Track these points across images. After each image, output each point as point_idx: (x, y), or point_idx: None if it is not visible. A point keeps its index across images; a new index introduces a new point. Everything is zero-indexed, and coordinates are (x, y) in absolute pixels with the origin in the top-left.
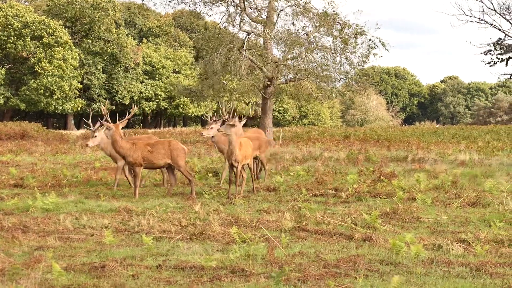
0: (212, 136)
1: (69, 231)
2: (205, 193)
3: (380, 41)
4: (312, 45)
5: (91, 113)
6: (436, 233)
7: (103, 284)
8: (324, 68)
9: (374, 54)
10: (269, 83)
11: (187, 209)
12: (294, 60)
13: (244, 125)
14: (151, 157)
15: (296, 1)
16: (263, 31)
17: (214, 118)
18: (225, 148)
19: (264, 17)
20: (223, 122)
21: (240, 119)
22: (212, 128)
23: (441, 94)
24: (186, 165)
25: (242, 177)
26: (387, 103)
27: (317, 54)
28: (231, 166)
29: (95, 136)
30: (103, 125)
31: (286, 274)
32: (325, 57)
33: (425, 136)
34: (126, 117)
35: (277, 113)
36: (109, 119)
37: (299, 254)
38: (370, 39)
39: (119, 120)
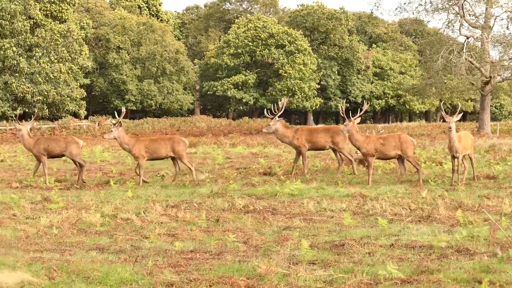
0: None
1: (312, 213)
2: (431, 181)
3: None
4: None
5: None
6: None
7: (343, 260)
8: None
9: None
10: (487, 82)
11: (415, 195)
12: (510, 60)
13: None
14: (383, 149)
15: (511, 7)
16: (481, 35)
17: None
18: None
19: (482, 22)
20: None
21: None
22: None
23: None
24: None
25: (464, 166)
26: None
27: None
28: (453, 157)
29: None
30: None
31: (509, 254)
32: None
33: None
34: (359, 113)
35: (494, 108)
36: (345, 116)
37: None
38: None
39: (353, 116)
